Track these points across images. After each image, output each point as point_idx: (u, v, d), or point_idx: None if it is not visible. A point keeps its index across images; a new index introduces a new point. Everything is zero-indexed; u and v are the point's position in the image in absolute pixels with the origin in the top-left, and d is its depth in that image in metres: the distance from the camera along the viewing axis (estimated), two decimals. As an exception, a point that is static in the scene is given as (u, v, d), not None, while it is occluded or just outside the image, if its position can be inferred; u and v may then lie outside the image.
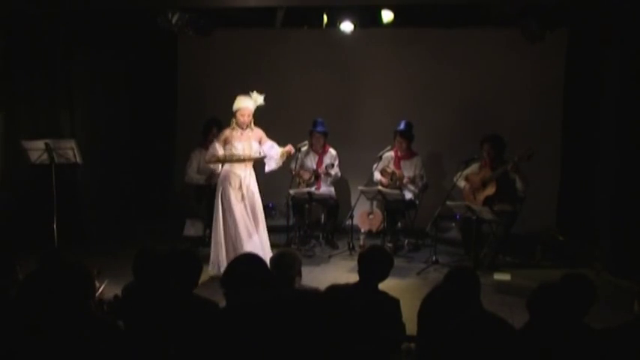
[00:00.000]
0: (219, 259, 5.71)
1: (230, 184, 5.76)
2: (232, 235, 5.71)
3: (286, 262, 3.60)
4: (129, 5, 6.55)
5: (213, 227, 5.84)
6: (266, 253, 5.63)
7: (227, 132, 5.83)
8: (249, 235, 5.74)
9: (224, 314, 3.02)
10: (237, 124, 5.79)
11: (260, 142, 5.92)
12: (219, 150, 5.84)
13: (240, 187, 5.78)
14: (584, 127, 7.26)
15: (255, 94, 5.79)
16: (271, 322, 2.76)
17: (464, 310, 2.91)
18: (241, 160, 5.80)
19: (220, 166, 5.91)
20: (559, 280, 3.18)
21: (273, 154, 5.92)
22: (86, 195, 7.47)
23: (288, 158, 6.17)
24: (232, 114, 5.81)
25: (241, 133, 5.81)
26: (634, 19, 5.81)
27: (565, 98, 7.36)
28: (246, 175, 5.82)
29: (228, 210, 5.73)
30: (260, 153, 5.91)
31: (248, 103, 5.76)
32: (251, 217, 5.80)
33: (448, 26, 7.41)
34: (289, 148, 5.96)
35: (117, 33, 7.45)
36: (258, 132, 5.94)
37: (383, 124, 7.45)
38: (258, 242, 5.76)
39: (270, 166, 5.99)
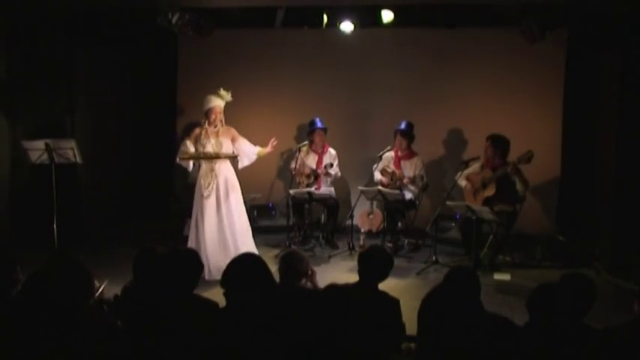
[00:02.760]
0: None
1: (202, 183, 5.83)
2: (202, 234, 5.78)
3: (296, 259, 3.60)
4: (129, 5, 6.56)
5: (192, 226, 5.90)
6: (243, 248, 5.74)
7: (197, 130, 5.91)
8: (217, 234, 5.79)
9: (224, 314, 3.03)
10: (208, 123, 5.87)
11: (232, 140, 5.98)
12: (191, 147, 5.90)
13: (211, 184, 5.82)
14: (584, 127, 7.27)
15: (223, 92, 5.88)
16: (271, 322, 2.76)
17: (464, 310, 2.91)
18: (212, 157, 5.83)
19: (191, 163, 5.93)
20: (559, 280, 3.18)
21: (247, 151, 6.03)
22: (86, 195, 7.48)
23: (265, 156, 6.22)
24: (203, 114, 5.89)
25: (212, 132, 5.87)
26: (633, 19, 5.81)
27: (565, 98, 7.35)
28: (219, 173, 5.84)
29: (200, 209, 5.80)
30: (233, 152, 5.96)
31: (218, 102, 5.87)
32: (224, 215, 5.81)
33: (448, 26, 7.41)
34: (269, 148, 6.10)
35: (117, 33, 7.45)
36: (230, 130, 6.01)
37: (383, 124, 7.45)
38: (229, 241, 5.79)
39: (242, 163, 6.10)
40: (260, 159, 6.24)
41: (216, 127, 5.89)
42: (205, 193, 5.80)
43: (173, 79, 8.29)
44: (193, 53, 8.10)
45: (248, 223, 6.04)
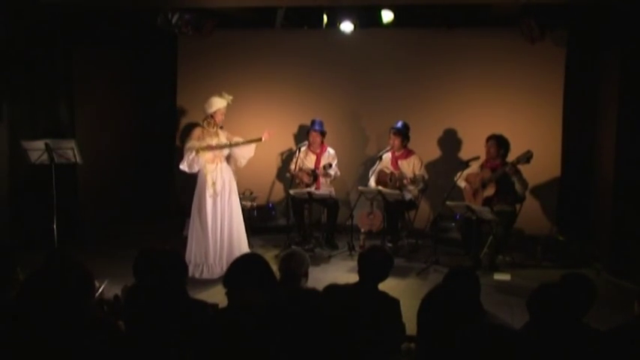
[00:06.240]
0: (190, 258, 5.78)
1: (205, 183, 5.86)
2: (203, 234, 5.82)
3: (295, 262, 3.59)
4: (129, 5, 6.56)
5: (191, 226, 5.94)
6: (239, 249, 5.84)
7: (198, 132, 5.94)
8: (217, 233, 5.85)
9: (225, 314, 3.02)
10: (214, 124, 5.92)
11: (228, 139, 6.04)
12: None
13: (213, 184, 5.86)
14: (584, 127, 7.26)
15: (225, 95, 5.96)
16: (272, 322, 2.76)
17: (464, 310, 2.90)
18: (238, 144, 5.97)
19: (196, 167, 5.91)
20: (559, 280, 3.18)
21: (244, 152, 6.11)
22: (86, 195, 7.48)
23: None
24: (207, 116, 5.91)
25: (213, 132, 5.93)
26: (633, 20, 5.81)
27: (565, 98, 7.36)
28: (217, 172, 5.89)
29: (202, 209, 5.84)
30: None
31: (224, 104, 5.95)
32: (225, 215, 5.87)
33: (448, 26, 7.41)
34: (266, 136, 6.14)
35: (117, 33, 7.45)
36: (226, 132, 6.09)
37: (383, 124, 7.44)
38: (227, 240, 5.88)
39: (241, 163, 6.19)
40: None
41: (218, 127, 5.96)
42: (211, 192, 5.84)
43: (173, 79, 8.29)
44: (193, 53, 8.10)
45: (244, 225, 6.11)
